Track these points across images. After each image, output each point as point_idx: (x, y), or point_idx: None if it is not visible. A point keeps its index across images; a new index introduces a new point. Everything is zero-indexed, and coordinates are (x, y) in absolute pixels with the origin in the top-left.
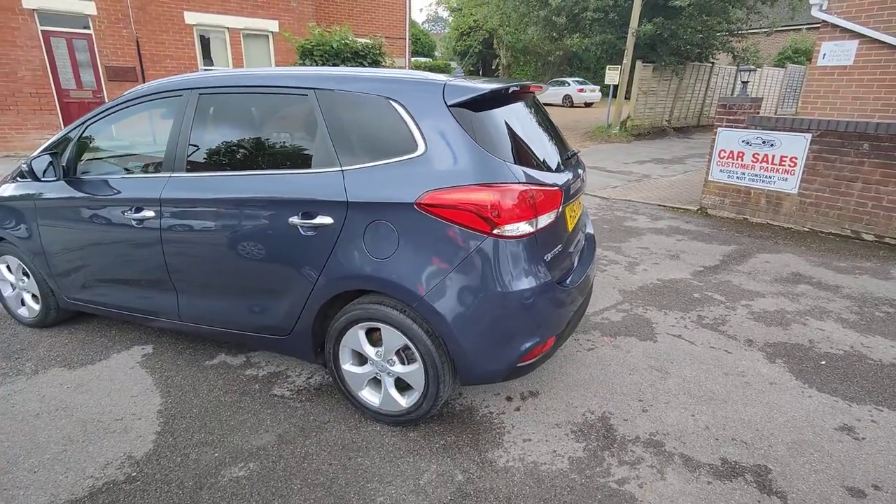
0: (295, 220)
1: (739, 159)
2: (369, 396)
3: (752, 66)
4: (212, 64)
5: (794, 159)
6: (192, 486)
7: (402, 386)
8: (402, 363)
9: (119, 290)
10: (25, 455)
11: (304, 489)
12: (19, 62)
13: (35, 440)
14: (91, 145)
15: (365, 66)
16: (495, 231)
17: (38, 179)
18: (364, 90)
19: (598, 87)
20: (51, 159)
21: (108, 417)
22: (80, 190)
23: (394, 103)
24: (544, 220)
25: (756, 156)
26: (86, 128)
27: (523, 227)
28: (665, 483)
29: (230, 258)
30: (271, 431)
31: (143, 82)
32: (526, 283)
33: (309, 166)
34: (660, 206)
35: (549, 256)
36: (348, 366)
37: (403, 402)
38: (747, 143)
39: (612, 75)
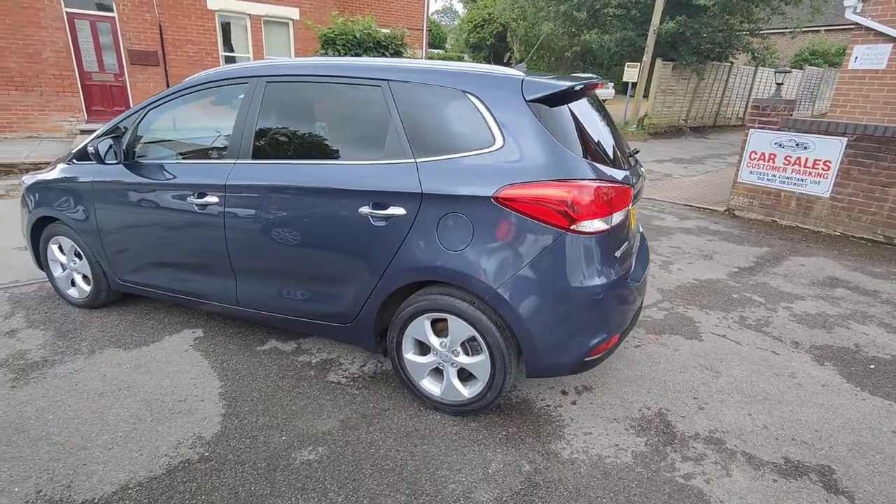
0: (365, 210)
1: (771, 161)
2: (430, 386)
3: (788, 68)
4: (232, 51)
5: (827, 163)
6: (265, 467)
7: (464, 376)
8: (466, 354)
9: (174, 274)
10: (98, 432)
11: (375, 474)
12: (43, 43)
13: (104, 418)
14: (151, 130)
15: (387, 56)
16: (573, 227)
17: (102, 162)
18: (440, 83)
19: (612, 84)
20: (112, 142)
21: (172, 398)
22: (140, 174)
23: (470, 97)
24: (617, 217)
25: (788, 158)
26: (147, 112)
27: (598, 224)
28: (731, 480)
29: (295, 246)
30: (334, 417)
31: (165, 66)
32: (598, 279)
33: (380, 157)
34: (686, 205)
35: (618, 253)
36: (410, 355)
37: (466, 392)
38: (780, 146)
39: (632, 73)
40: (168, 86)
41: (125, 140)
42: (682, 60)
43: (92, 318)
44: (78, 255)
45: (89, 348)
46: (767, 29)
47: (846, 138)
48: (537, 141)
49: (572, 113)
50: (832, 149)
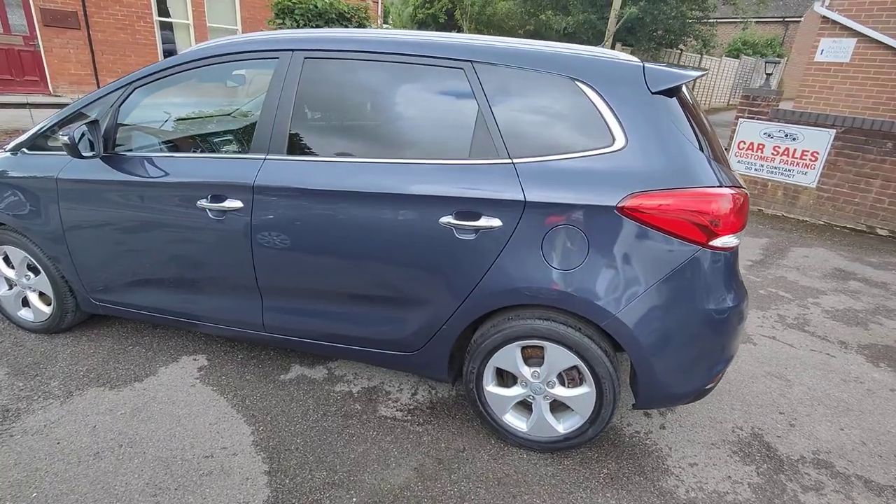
0: (449, 220)
1: (759, 151)
2: (514, 421)
3: (778, 59)
4: (168, 15)
5: (815, 154)
6: None
7: (555, 409)
8: (563, 385)
9: (171, 293)
10: None
11: None
12: None
13: (111, 491)
14: (137, 114)
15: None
16: (711, 242)
17: (79, 155)
18: (541, 67)
19: None
20: (86, 130)
21: (194, 454)
22: (127, 170)
23: (582, 86)
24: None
25: (776, 149)
26: (131, 91)
27: (733, 240)
28: None
29: (347, 262)
30: (404, 465)
31: (88, 30)
32: (730, 301)
33: (465, 156)
34: None
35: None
36: (492, 387)
37: (560, 427)
38: (769, 136)
39: None
40: (92, 53)
41: (102, 127)
42: (640, 46)
43: (56, 346)
44: (32, 269)
45: (63, 389)
46: (712, 18)
47: (835, 130)
48: (667, 141)
49: (682, 105)
50: (820, 140)
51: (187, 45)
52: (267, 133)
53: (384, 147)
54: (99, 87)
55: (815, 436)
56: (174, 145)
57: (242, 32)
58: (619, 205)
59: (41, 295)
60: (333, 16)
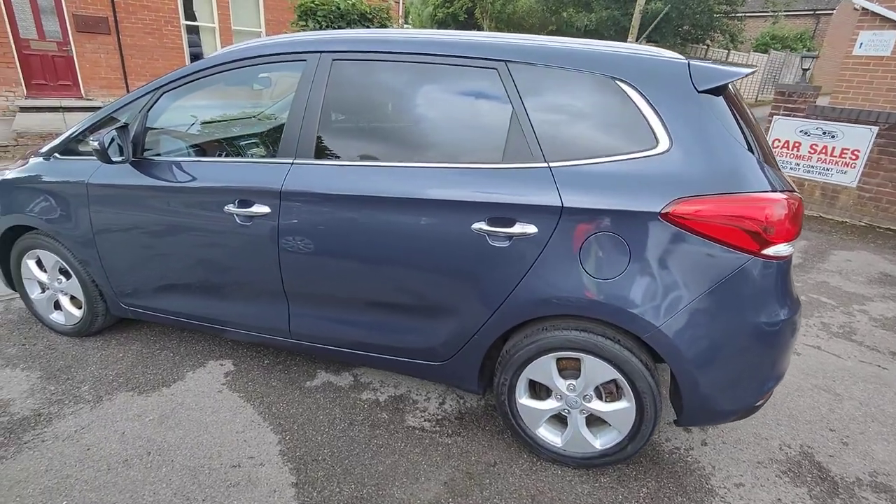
0: (481, 226)
1: (795, 149)
2: (548, 435)
3: (815, 53)
4: (195, 19)
5: (856, 152)
6: None
7: (591, 423)
8: (600, 399)
9: (198, 298)
10: None
11: None
12: None
13: (139, 500)
14: (166, 119)
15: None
16: (764, 251)
17: (109, 161)
18: (579, 66)
19: None
20: (115, 135)
21: (221, 463)
22: (155, 175)
23: (622, 85)
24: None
25: (814, 147)
26: (160, 95)
27: (787, 247)
28: None
29: (376, 269)
30: (434, 479)
31: (117, 35)
32: (784, 313)
33: (498, 160)
34: None
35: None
36: (525, 399)
37: (597, 443)
38: (805, 134)
39: None
40: (122, 58)
41: (131, 132)
42: (664, 42)
43: (86, 350)
44: (64, 273)
45: (94, 394)
46: (740, 12)
47: (877, 127)
48: (714, 142)
49: (730, 103)
50: (862, 137)
51: (213, 49)
52: (294, 137)
53: (414, 151)
54: (128, 90)
55: (872, 455)
56: (202, 149)
57: (266, 35)
58: (663, 211)
59: (72, 298)
60: (356, 17)
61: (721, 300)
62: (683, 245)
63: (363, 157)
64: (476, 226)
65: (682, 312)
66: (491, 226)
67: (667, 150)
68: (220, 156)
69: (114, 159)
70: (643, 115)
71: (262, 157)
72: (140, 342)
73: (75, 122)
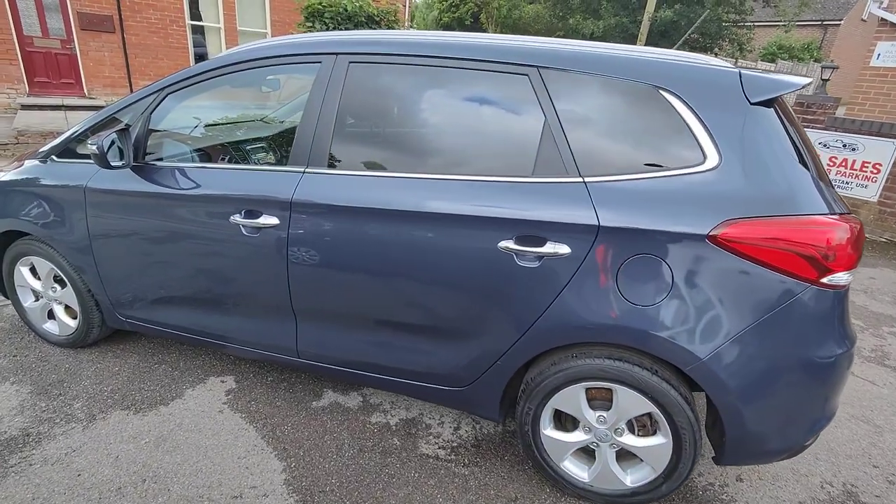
0: (508, 244)
1: None
2: (574, 468)
3: (835, 64)
4: (200, 19)
5: (877, 165)
6: None
7: (622, 457)
8: (632, 432)
9: (200, 312)
10: None
11: None
12: None
13: None
14: (168, 122)
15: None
16: (822, 279)
17: (108, 166)
18: (619, 73)
19: None
20: (116, 138)
21: (221, 493)
22: (156, 181)
23: (666, 95)
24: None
25: (833, 160)
26: (163, 97)
27: (846, 276)
28: None
29: (392, 286)
30: None
31: (122, 34)
32: (840, 346)
33: (528, 174)
34: None
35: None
36: (550, 430)
37: (627, 479)
38: (824, 146)
39: None
40: (126, 57)
41: (133, 135)
42: None
43: (81, 362)
44: (59, 281)
45: (87, 412)
46: (748, 21)
47: None
48: (768, 159)
49: (782, 116)
50: (884, 151)
51: (219, 49)
52: (306, 144)
53: (436, 162)
54: (132, 89)
55: None
56: (206, 154)
57: (272, 36)
58: (711, 233)
59: (67, 308)
60: (363, 19)
61: (773, 331)
62: (733, 271)
63: (381, 168)
64: (503, 244)
65: (729, 344)
66: (519, 244)
67: (715, 167)
68: (226, 161)
69: (113, 164)
70: (689, 127)
71: (271, 164)
72: (137, 355)
73: (77, 121)
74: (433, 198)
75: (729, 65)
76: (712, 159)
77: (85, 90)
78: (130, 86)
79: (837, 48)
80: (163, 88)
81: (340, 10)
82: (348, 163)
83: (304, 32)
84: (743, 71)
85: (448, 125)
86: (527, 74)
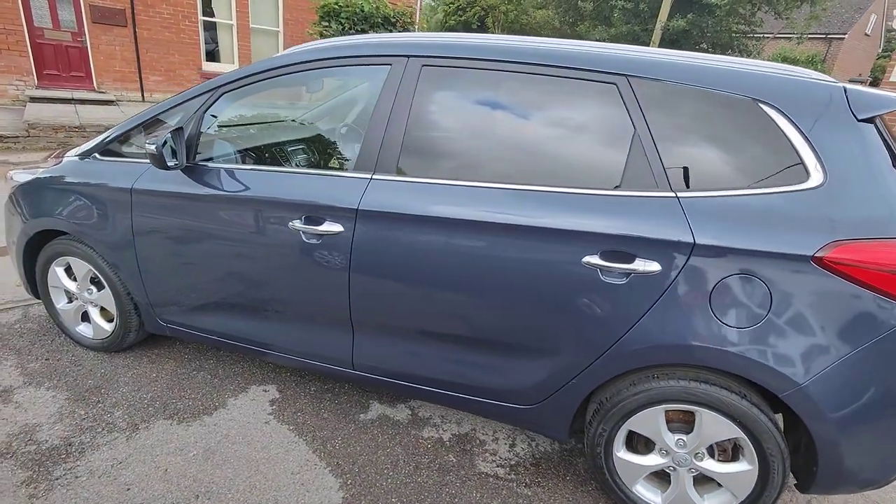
0: (593, 259)
1: None
2: (645, 493)
3: (862, 78)
4: (212, 15)
5: None
6: None
7: (699, 482)
8: (713, 457)
9: (254, 320)
10: None
11: None
12: None
13: None
14: (223, 123)
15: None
16: None
17: (165, 167)
18: (715, 85)
19: None
20: (170, 138)
21: None
22: (210, 183)
23: (767, 108)
24: None
25: None
26: (218, 96)
27: None
28: None
29: (464, 302)
30: None
31: (134, 28)
32: None
33: (615, 186)
34: None
35: None
36: (624, 453)
37: None
38: None
39: None
40: (137, 51)
41: (185, 134)
42: None
43: (116, 367)
44: (96, 283)
45: (128, 421)
46: (759, 32)
47: None
48: (877, 178)
49: (881, 133)
50: None
51: (230, 46)
52: (374, 149)
53: (514, 171)
54: (142, 84)
55: None
56: (261, 157)
57: (285, 34)
58: (816, 255)
59: (103, 311)
60: (379, 20)
61: (879, 358)
62: (838, 294)
63: (454, 176)
64: (587, 259)
65: (830, 370)
66: (605, 260)
67: (820, 185)
68: (283, 164)
69: (169, 164)
70: (792, 144)
71: (334, 168)
72: (174, 360)
73: (88, 116)
74: (510, 209)
75: (833, 79)
76: (816, 177)
77: (94, 84)
78: (140, 80)
79: (841, 62)
80: (217, 87)
81: (357, 10)
82: (420, 170)
83: (319, 32)
84: (847, 86)
85: (527, 134)
86: (615, 83)
